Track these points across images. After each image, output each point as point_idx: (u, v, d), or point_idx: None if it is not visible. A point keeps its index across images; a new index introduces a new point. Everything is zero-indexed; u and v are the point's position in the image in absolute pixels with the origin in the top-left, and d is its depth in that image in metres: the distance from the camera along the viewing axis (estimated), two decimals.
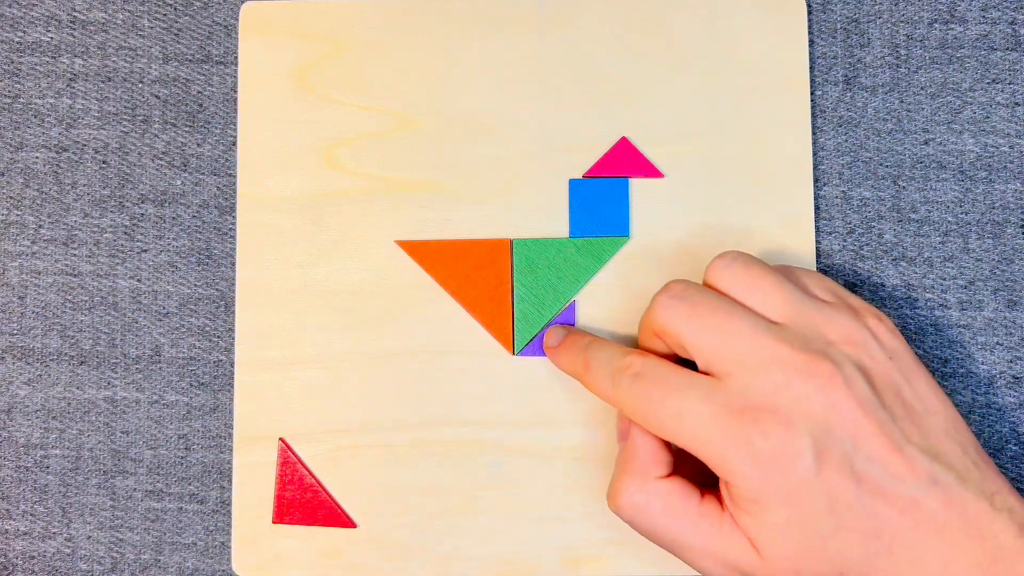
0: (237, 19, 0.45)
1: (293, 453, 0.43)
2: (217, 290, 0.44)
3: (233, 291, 0.44)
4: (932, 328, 0.43)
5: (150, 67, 0.45)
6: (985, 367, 0.43)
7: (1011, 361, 0.43)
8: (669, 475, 0.37)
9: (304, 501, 0.42)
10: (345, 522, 0.42)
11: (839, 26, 0.44)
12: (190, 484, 0.44)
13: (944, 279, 0.43)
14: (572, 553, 0.42)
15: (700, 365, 0.36)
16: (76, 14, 0.45)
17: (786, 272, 0.38)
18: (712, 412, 0.34)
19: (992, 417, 0.42)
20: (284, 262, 0.43)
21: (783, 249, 0.43)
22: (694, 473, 0.38)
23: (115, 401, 0.44)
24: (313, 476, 0.42)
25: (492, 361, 0.43)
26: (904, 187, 0.43)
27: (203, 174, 0.45)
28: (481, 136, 0.44)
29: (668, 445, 0.37)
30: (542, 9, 0.44)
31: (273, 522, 0.42)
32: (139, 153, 0.45)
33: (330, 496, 0.42)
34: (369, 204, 0.44)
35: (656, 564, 0.42)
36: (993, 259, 0.43)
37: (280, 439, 0.43)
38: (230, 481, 0.43)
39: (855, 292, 0.43)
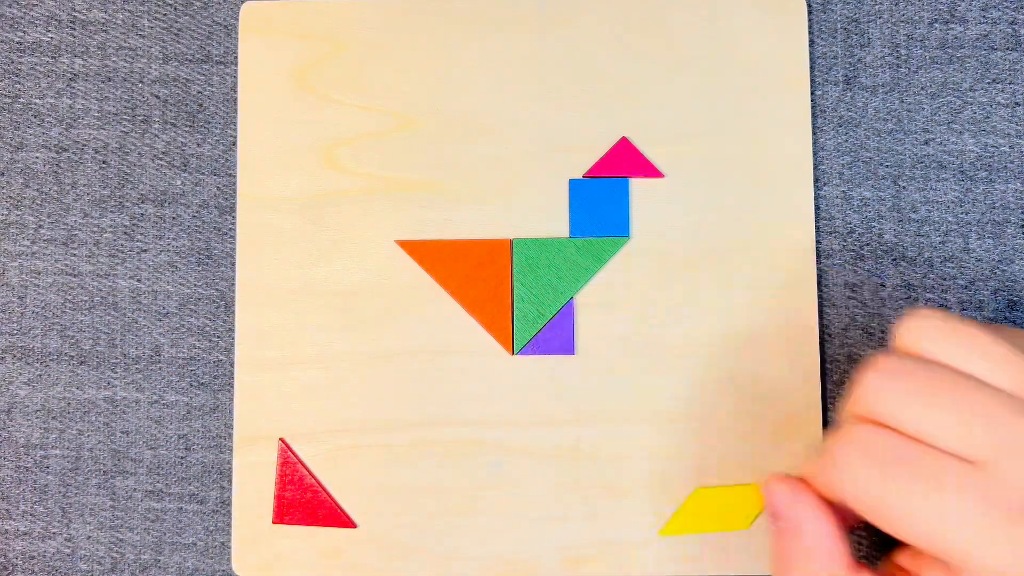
0: (237, 19, 0.45)
1: (293, 453, 0.43)
2: (217, 290, 0.44)
3: (233, 291, 0.44)
4: None
5: (150, 67, 0.45)
6: None
7: None
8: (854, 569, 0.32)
9: (304, 501, 0.42)
10: (345, 522, 0.42)
11: (839, 26, 0.44)
12: (190, 484, 0.44)
13: (944, 279, 0.43)
14: (572, 553, 0.42)
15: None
16: (76, 14, 0.45)
17: (994, 332, 0.32)
18: (982, 512, 0.29)
19: None
20: (284, 262, 0.44)
21: (783, 249, 0.43)
22: None
23: (115, 401, 0.44)
24: (313, 476, 0.42)
25: (492, 361, 0.43)
26: (904, 187, 0.43)
27: (203, 174, 0.45)
28: (481, 136, 0.44)
29: (845, 533, 0.32)
30: (542, 9, 0.44)
31: (273, 522, 0.42)
32: (139, 153, 0.45)
33: (330, 496, 0.42)
34: (369, 204, 0.44)
35: (656, 564, 0.42)
36: (993, 259, 0.43)
37: (280, 439, 0.43)
38: (230, 481, 0.43)
39: (855, 292, 0.43)
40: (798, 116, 0.43)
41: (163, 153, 0.45)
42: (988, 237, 0.43)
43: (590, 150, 0.43)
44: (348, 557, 0.42)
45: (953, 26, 0.44)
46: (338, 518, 0.42)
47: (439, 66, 0.44)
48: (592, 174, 0.43)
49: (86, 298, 0.44)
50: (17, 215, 0.45)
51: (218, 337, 0.44)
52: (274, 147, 0.44)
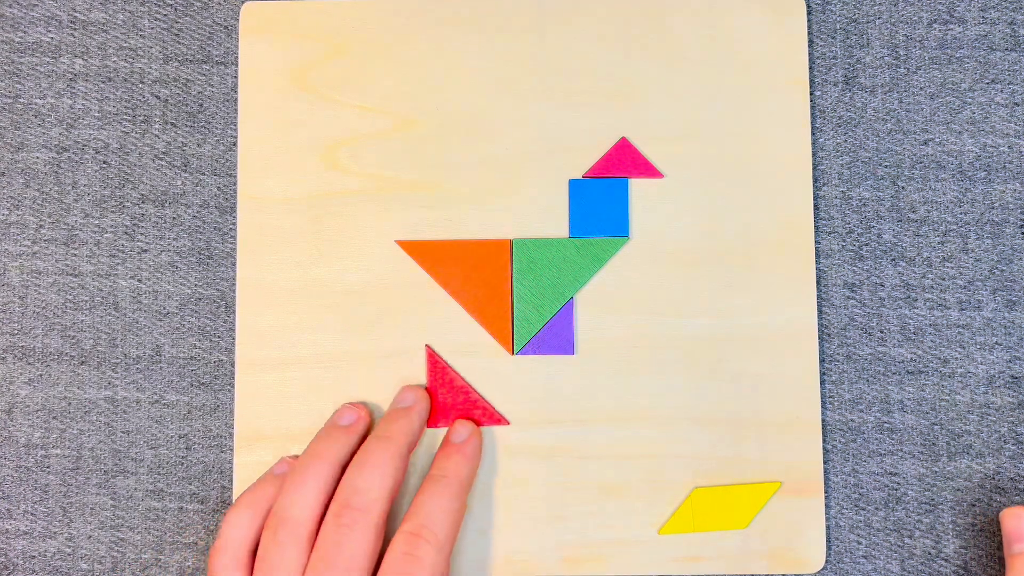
0: (237, 19, 0.45)
1: (440, 359, 0.42)
2: (217, 290, 0.44)
3: (233, 291, 0.44)
4: (932, 328, 0.43)
5: (150, 67, 0.45)
6: (984, 367, 0.43)
7: (1010, 361, 0.43)
8: None
9: (458, 403, 0.42)
10: (499, 419, 0.42)
11: (839, 26, 0.44)
12: (191, 484, 0.44)
13: (943, 279, 0.43)
14: (572, 552, 0.42)
15: None
16: (76, 14, 0.45)
17: None
18: None
19: (991, 417, 0.42)
20: (284, 262, 0.44)
21: (783, 249, 0.43)
22: None
23: (116, 401, 0.44)
24: (463, 378, 0.42)
25: (492, 361, 0.43)
26: (903, 187, 0.44)
27: (203, 174, 0.45)
28: (481, 136, 0.44)
29: None
30: (542, 9, 0.44)
31: (428, 426, 0.42)
32: (139, 153, 0.45)
33: (481, 396, 0.42)
34: (369, 204, 0.44)
35: (656, 564, 0.42)
36: (992, 259, 0.43)
37: (427, 345, 0.43)
38: (231, 481, 0.43)
39: (855, 292, 0.43)
40: (798, 116, 0.43)
41: (163, 153, 0.45)
42: (987, 237, 0.43)
43: (590, 150, 0.44)
44: None
45: (952, 26, 0.44)
46: (492, 416, 0.42)
47: (439, 66, 0.44)
48: (592, 174, 0.43)
49: (87, 298, 0.44)
50: (18, 215, 0.45)
51: (218, 337, 0.44)
52: (274, 147, 0.44)
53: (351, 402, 0.42)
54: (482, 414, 0.42)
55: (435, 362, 0.43)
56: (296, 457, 0.42)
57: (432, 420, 0.42)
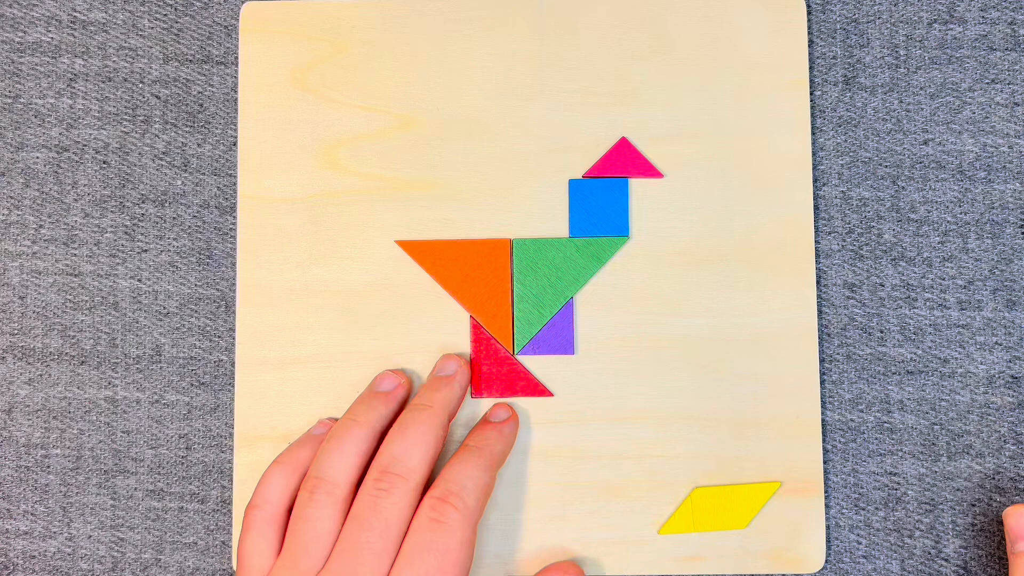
0: (237, 19, 0.45)
1: (484, 329, 0.42)
2: (217, 290, 0.44)
3: (233, 291, 0.44)
4: (932, 328, 0.43)
5: (150, 67, 0.45)
6: (984, 367, 0.43)
7: (1010, 361, 0.43)
8: None
9: (502, 374, 0.42)
10: (542, 391, 0.42)
11: (839, 26, 0.44)
12: (191, 483, 0.44)
13: (943, 279, 0.43)
14: (572, 553, 0.42)
15: None
16: (76, 14, 0.45)
17: None
18: None
19: (991, 417, 0.42)
20: (284, 262, 0.44)
21: (783, 249, 0.43)
22: None
23: (116, 401, 0.44)
24: (507, 350, 0.42)
25: None
26: (903, 187, 0.44)
27: (203, 174, 0.45)
28: (481, 136, 0.44)
29: None
30: (542, 9, 0.44)
31: (472, 396, 0.42)
32: (139, 153, 0.45)
33: (525, 368, 0.42)
34: (369, 204, 0.44)
35: (656, 564, 0.42)
36: (992, 259, 0.43)
37: (471, 316, 0.43)
38: (231, 480, 0.43)
39: (855, 292, 0.43)
40: (798, 116, 0.43)
41: (163, 153, 0.45)
42: (987, 237, 0.43)
43: (590, 150, 0.44)
44: None
45: (952, 26, 0.44)
46: (536, 387, 0.42)
47: (439, 66, 0.44)
48: (592, 174, 0.43)
49: (87, 298, 0.44)
50: (18, 215, 0.45)
51: (218, 337, 0.44)
52: (274, 147, 0.44)
53: (391, 368, 0.42)
54: (525, 385, 0.42)
55: (480, 333, 0.43)
56: (335, 420, 0.42)
57: (476, 390, 0.43)
